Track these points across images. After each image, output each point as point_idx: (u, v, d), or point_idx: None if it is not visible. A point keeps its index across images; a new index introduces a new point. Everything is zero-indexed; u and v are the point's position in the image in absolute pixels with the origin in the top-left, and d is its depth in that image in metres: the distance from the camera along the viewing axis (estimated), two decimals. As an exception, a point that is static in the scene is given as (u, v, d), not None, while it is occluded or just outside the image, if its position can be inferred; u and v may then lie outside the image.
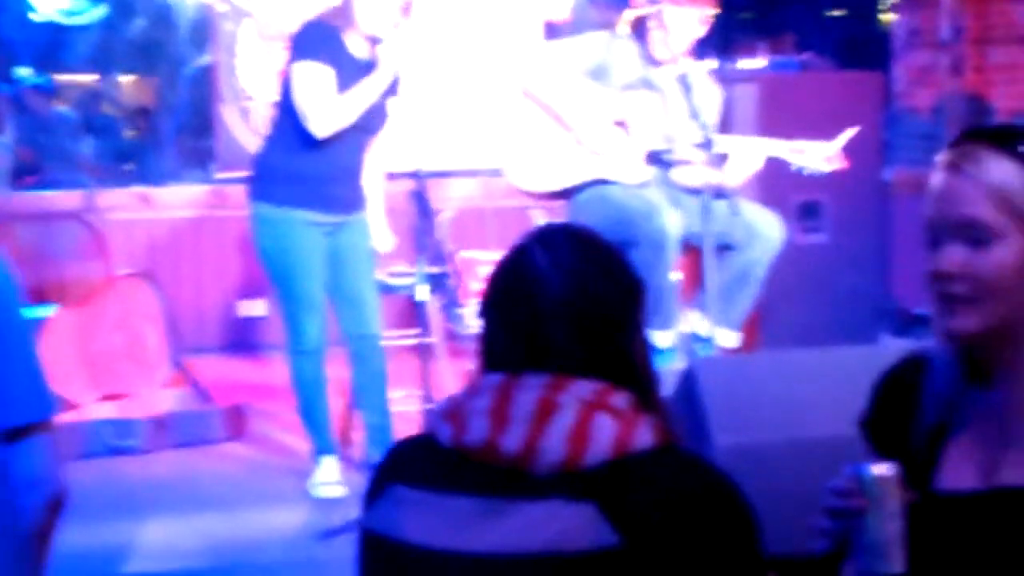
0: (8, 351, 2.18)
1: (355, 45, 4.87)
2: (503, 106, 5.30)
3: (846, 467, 1.81)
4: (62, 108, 9.11)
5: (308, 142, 4.79)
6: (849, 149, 5.07)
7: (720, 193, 4.72)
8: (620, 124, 5.09)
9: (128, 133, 9.54)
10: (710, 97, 5.23)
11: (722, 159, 4.89)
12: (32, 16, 8.75)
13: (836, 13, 10.92)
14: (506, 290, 1.81)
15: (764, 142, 5.09)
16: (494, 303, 1.82)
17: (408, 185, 4.96)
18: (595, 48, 5.14)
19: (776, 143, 5.06)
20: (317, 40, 4.83)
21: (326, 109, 4.72)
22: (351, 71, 4.81)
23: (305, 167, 4.84)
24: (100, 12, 9.01)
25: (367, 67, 4.83)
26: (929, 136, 7.70)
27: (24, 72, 9.30)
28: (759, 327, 6.43)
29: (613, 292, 1.81)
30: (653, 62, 5.15)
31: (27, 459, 2.19)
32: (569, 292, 1.77)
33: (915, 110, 7.77)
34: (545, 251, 1.80)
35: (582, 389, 1.71)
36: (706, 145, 4.76)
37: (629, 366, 1.79)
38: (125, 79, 9.81)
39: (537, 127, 5.12)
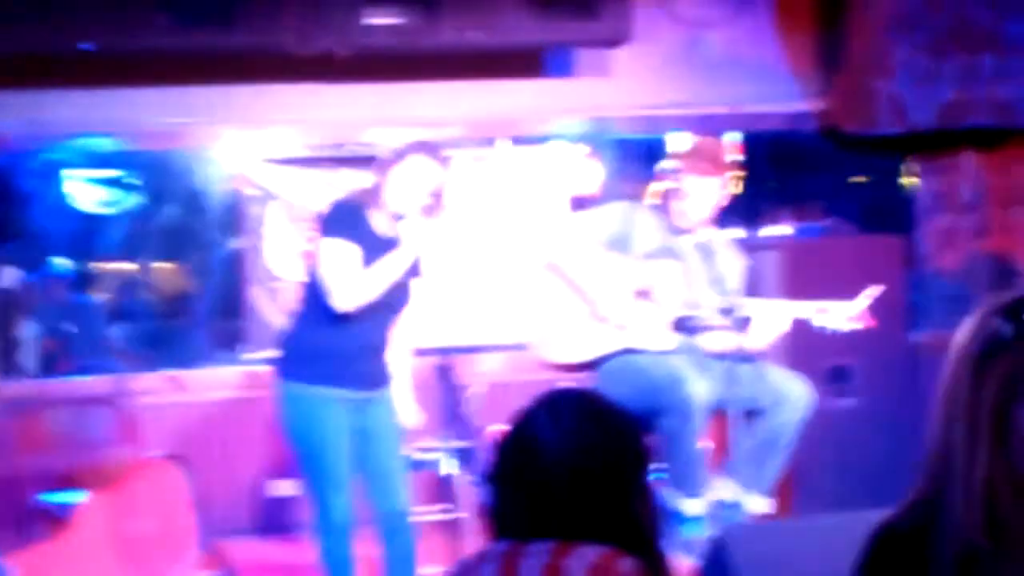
0: None
1: (380, 223, 4.94)
2: (529, 280, 5.34)
3: None
4: (93, 295, 9.22)
5: (333, 319, 4.83)
6: (876, 312, 5.08)
7: (746, 358, 4.72)
8: (643, 293, 5.12)
9: (161, 318, 9.64)
10: (732, 264, 5.26)
11: (746, 323, 4.90)
12: (68, 207, 8.92)
13: (859, 179, 10.99)
14: (513, 458, 1.81)
15: (787, 304, 5.11)
16: (501, 471, 1.82)
17: (435, 360, 4.98)
18: (615, 219, 5.20)
19: (799, 304, 5.08)
20: (343, 218, 4.90)
21: (348, 284, 4.77)
22: (377, 249, 4.86)
23: (330, 344, 4.87)
24: (133, 201, 9.18)
25: (392, 245, 4.89)
26: (957, 298, 7.69)
27: (52, 261, 9.45)
28: (791, 493, 6.36)
29: (618, 459, 1.81)
30: (675, 231, 5.19)
31: None
32: (574, 460, 1.77)
33: (942, 272, 7.78)
34: (550, 419, 1.80)
35: (587, 555, 1.70)
36: (729, 310, 4.77)
37: (635, 532, 1.78)
38: (158, 265, 9.95)
39: (562, 300, 5.16)
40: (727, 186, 5.24)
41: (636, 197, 5.57)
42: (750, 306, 5.06)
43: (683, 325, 5.17)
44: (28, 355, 8.49)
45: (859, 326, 5.04)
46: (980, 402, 1.90)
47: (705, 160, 5.15)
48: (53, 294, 8.86)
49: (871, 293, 5.02)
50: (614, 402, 1.88)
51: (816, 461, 6.48)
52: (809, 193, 9.66)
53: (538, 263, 5.25)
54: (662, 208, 5.26)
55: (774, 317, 5.06)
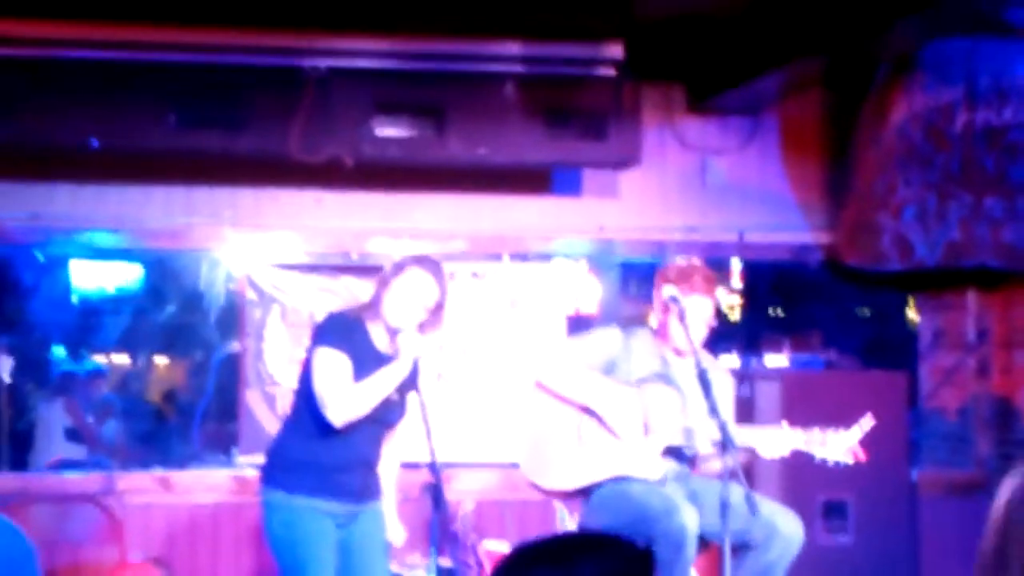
0: None
1: (379, 337, 4.90)
2: (521, 402, 5.29)
3: None
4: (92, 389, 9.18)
5: (324, 430, 4.77)
6: (875, 449, 5.01)
7: (735, 476, 4.64)
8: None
9: (155, 416, 9.60)
10: (726, 390, 5.20)
11: (741, 452, 4.83)
12: (68, 300, 8.91)
13: (863, 312, 10.99)
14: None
15: (784, 433, 5.03)
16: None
17: (424, 475, 4.90)
18: (606, 344, 5.17)
19: (795, 434, 5.00)
20: (340, 329, 4.85)
21: (341, 398, 4.71)
22: (371, 362, 4.82)
23: (319, 455, 4.80)
24: (135, 298, 9.18)
25: (387, 359, 4.84)
26: (957, 437, 7.64)
27: (61, 352, 9.43)
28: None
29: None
30: (670, 354, 5.16)
31: None
32: None
33: (942, 411, 7.74)
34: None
35: None
36: (725, 438, 4.71)
37: None
38: (156, 362, 9.92)
39: (552, 423, 5.11)
40: (718, 307, 5.20)
41: (640, 319, 5.53)
42: (746, 434, 5.00)
43: (677, 453, 5.11)
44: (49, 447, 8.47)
45: (855, 458, 4.97)
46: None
47: (696, 280, 5.12)
48: (80, 387, 8.83)
49: (866, 424, 4.96)
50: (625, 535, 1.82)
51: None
52: (811, 324, 9.64)
53: (528, 384, 5.21)
54: (657, 332, 5.22)
55: (770, 447, 5.00)
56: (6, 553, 2.19)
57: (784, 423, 5.08)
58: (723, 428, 4.75)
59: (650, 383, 5.09)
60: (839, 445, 4.95)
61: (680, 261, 5.26)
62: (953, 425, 7.70)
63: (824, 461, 4.98)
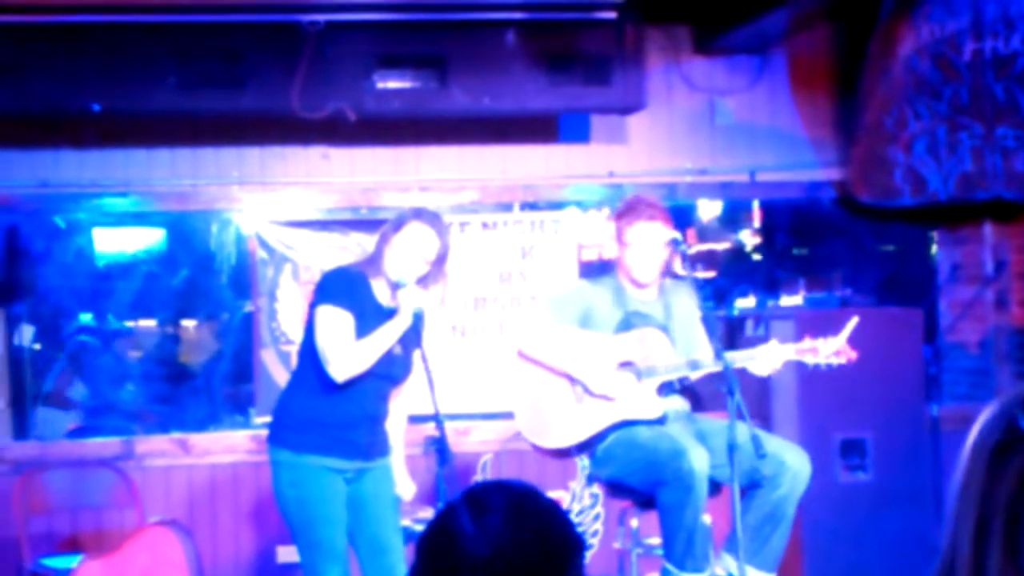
0: None
1: (381, 292, 4.87)
2: (514, 365, 5.27)
3: None
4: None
5: (329, 387, 4.75)
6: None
7: (741, 416, 4.62)
8: (626, 363, 5.04)
9: (171, 379, 9.60)
10: (694, 304, 5.16)
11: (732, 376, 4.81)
12: (81, 267, 8.92)
13: (887, 248, 10.87)
14: (432, 556, 1.72)
15: (774, 348, 5.01)
16: (420, 569, 1.73)
17: (432, 429, 4.89)
18: (578, 299, 5.16)
19: (785, 347, 5.00)
20: (342, 285, 4.83)
21: (343, 354, 4.69)
22: (374, 317, 4.79)
23: (325, 413, 4.79)
24: (147, 262, 9.18)
25: (390, 314, 4.81)
26: (978, 371, 7.57)
27: (87, 318, 9.44)
28: (802, 570, 6.22)
29: (544, 558, 1.71)
30: (641, 292, 5.13)
31: None
32: (495, 559, 1.68)
33: (963, 345, 7.66)
34: (473, 514, 1.72)
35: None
36: (730, 382, 4.68)
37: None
38: (170, 326, 9.93)
39: (547, 385, 5.09)
40: (671, 234, 5.12)
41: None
42: (737, 356, 4.98)
43: (671, 387, 5.10)
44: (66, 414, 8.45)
45: (844, 360, 4.97)
46: (993, 501, 1.68)
47: (641, 208, 5.09)
48: (104, 350, 8.84)
49: (852, 324, 4.97)
50: (543, 496, 1.79)
51: (828, 537, 6.35)
52: (833, 262, 9.55)
53: (512, 354, 5.20)
54: (624, 272, 5.19)
55: (762, 364, 4.99)
56: None
57: (774, 340, 5.09)
58: (727, 370, 4.71)
59: (633, 327, 5.07)
60: (828, 349, 4.96)
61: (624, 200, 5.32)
62: (974, 359, 7.63)
63: (817, 367, 4.99)
